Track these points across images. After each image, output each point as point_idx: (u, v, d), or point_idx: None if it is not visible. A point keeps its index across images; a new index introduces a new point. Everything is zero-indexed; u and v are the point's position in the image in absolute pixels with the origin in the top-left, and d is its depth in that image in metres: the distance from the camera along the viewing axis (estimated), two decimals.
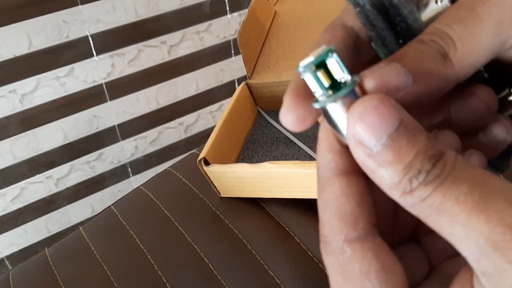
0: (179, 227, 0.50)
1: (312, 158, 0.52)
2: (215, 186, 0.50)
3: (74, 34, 0.93)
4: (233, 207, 0.50)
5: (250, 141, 0.56)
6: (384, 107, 0.17)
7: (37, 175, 1.01)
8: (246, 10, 1.09)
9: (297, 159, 0.52)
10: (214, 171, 0.48)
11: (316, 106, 0.19)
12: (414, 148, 0.17)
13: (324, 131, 0.20)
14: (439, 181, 0.16)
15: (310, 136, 0.55)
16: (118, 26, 0.97)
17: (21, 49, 0.89)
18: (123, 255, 0.49)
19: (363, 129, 0.17)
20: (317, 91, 0.19)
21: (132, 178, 1.14)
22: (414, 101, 0.18)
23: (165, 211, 0.52)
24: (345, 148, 0.19)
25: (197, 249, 0.47)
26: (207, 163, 0.48)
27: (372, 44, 0.24)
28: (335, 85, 0.19)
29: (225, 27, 1.11)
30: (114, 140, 1.08)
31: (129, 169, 1.13)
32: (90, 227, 0.54)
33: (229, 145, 0.53)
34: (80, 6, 0.91)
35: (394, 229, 0.22)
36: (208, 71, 1.13)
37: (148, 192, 0.55)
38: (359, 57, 0.23)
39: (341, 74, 0.19)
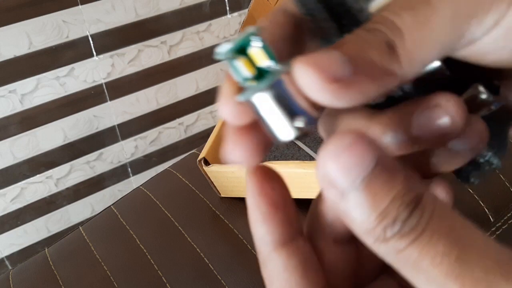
0: (179, 227, 0.49)
1: (312, 158, 0.51)
2: (215, 186, 0.50)
3: (74, 34, 0.92)
4: (233, 207, 0.50)
5: None
6: (359, 145, 0.15)
7: (37, 175, 1.00)
8: (246, 10, 1.09)
9: (297, 159, 0.52)
10: (214, 171, 0.48)
11: (240, 99, 0.16)
12: (390, 192, 0.15)
13: (251, 200, 0.18)
14: (416, 234, 0.15)
15: (310, 136, 0.55)
16: (118, 26, 0.96)
17: (21, 49, 0.89)
18: (123, 255, 0.49)
19: (335, 170, 0.15)
20: (241, 82, 0.16)
21: (132, 178, 1.14)
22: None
23: (165, 211, 0.52)
24: (278, 190, 0.18)
25: (197, 249, 0.47)
26: (207, 163, 0.48)
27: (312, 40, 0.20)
28: (261, 75, 0.16)
29: (225, 27, 1.11)
30: (114, 140, 1.07)
31: (129, 169, 1.13)
32: (90, 227, 0.53)
33: None
34: (80, 6, 0.91)
35: (359, 276, 0.21)
36: (208, 71, 1.13)
37: (148, 192, 0.55)
38: (301, 51, 0.20)
39: (266, 61, 0.16)
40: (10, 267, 1.04)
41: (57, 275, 0.48)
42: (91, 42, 0.95)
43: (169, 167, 0.58)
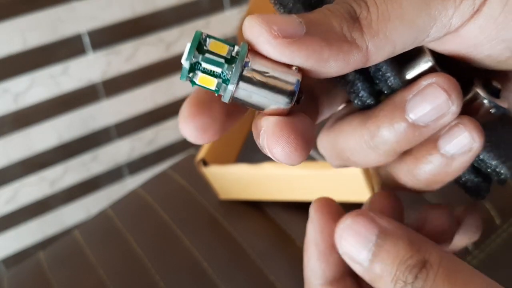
0: (177, 231, 0.49)
1: (313, 159, 0.51)
2: (214, 188, 0.50)
3: (69, 31, 0.93)
4: (233, 209, 0.50)
5: (250, 140, 0.55)
6: (358, 224, 0.18)
7: (31, 177, 1.01)
8: (245, 6, 1.09)
9: None
10: (213, 172, 0.48)
11: (225, 100, 0.18)
12: (395, 259, 0.17)
13: (311, 233, 0.20)
14: None
15: None
16: (114, 23, 0.97)
17: (15, 46, 0.89)
18: (119, 259, 0.48)
19: (348, 248, 0.18)
20: (213, 87, 0.18)
21: (128, 179, 1.14)
22: (315, 68, 0.17)
23: (163, 214, 0.51)
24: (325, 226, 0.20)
25: (195, 254, 0.47)
26: (205, 164, 0.48)
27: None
28: (229, 62, 0.18)
29: (224, 23, 1.11)
30: (110, 140, 1.07)
31: (126, 170, 1.13)
32: (86, 230, 0.53)
33: (228, 145, 0.53)
34: (75, 3, 0.91)
35: None
36: None
37: (145, 194, 0.54)
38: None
39: (222, 54, 0.18)
40: (4, 271, 1.05)
41: (51, 279, 0.48)
42: (87, 39, 0.95)
43: (166, 168, 0.58)
